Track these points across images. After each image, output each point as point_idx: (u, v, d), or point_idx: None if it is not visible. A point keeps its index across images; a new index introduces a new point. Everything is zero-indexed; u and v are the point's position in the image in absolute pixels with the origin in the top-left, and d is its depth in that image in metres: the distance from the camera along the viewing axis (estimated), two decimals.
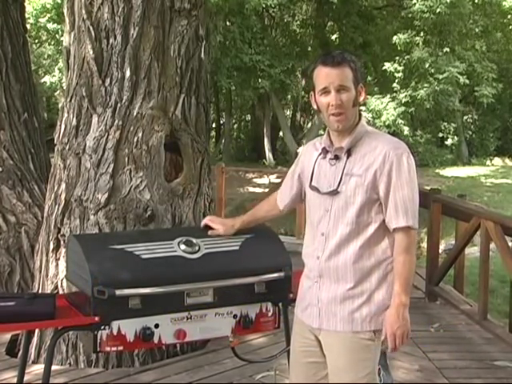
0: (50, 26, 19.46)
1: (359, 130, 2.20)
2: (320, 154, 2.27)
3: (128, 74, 3.99)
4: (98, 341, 2.48)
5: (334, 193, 2.18)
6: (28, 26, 9.19)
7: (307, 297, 2.27)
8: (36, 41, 20.89)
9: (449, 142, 26.60)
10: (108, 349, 2.52)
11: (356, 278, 2.17)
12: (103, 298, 2.48)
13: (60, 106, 4.42)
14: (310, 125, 23.88)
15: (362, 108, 18.51)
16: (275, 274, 2.68)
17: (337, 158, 2.21)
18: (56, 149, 4.19)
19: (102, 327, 2.47)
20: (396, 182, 2.12)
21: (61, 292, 3.80)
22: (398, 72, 18.50)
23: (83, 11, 4.03)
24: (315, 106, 2.25)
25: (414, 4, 17.57)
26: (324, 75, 2.16)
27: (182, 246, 2.67)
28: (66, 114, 4.15)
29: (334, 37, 21.88)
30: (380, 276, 2.18)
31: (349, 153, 2.19)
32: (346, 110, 2.16)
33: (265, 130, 23.29)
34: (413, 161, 2.18)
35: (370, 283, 2.17)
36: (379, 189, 2.13)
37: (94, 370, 3.90)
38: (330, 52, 2.21)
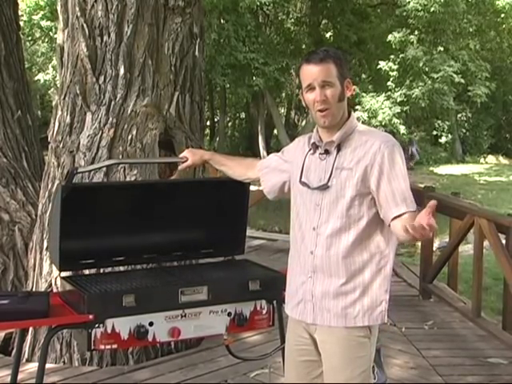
0: (44, 23, 19.42)
1: (349, 125, 2.22)
2: (310, 150, 2.28)
3: (122, 71, 3.98)
4: (92, 339, 2.48)
5: (325, 187, 2.18)
6: (21, 24, 9.18)
7: (300, 292, 2.27)
8: (29, 38, 20.82)
9: (443, 140, 26.67)
10: (102, 347, 2.52)
11: (348, 273, 2.17)
12: (97, 296, 2.49)
13: (54, 103, 4.41)
14: (304, 123, 23.91)
15: (358, 107, 18.55)
16: None
17: (327, 152, 2.22)
18: (50, 147, 4.19)
19: (96, 325, 2.47)
20: (390, 173, 2.12)
21: (55, 290, 3.79)
22: (393, 71, 18.53)
23: (77, 8, 4.02)
24: (304, 104, 2.28)
25: (409, 2, 17.59)
26: (308, 72, 2.18)
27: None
28: (59, 112, 4.14)
29: (328, 34, 21.89)
30: (373, 271, 2.18)
31: (339, 147, 2.20)
32: (331, 106, 2.17)
33: (259, 128, 23.29)
34: (403, 154, 2.21)
35: (362, 278, 2.17)
36: (370, 182, 2.14)
37: (88, 368, 3.90)
38: (314, 50, 2.24)
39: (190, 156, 2.72)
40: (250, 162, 2.71)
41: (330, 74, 2.16)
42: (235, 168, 2.68)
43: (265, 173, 2.53)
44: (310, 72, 2.17)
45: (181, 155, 2.78)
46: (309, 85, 2.18)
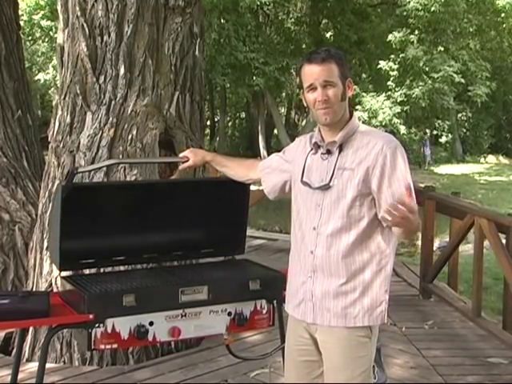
0: (44, 23, 19.42)
1: (351, 125, 2.22)
2: (311, 150, 2.29)
3: (122, 71, 3.98)
4: (93, 338, 2.48)
5: (326, 187, 2.18)
6: (21, 23, 9.17)
7: (300, 292, 2.27)
8: (30, 38, 20.81)
9: (443, 139, 26.68)
10: (102, 346, 2.52)
11: (348, 273, 2.17)
12: (98, 295, 2.49)
13: (54, 103, 4.41)
14: (304, 122, 23.90)
15: (358, 107, 18.55)
16: None
17: (329, 152, 2.23)
18: (50, 146, 4.19)
19: (97, 325, 2.47)
20: (391, 175, 2.12)
21: (55, 290, 3.79)
22: (393, 70, 18.53)
23: (77, 8, 4.02)
24: (305, 103, 2.28)
25: (409, 2, 17.58)
26: (309, 72, 2.18)
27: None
28: (59, 112, 4.14)
29: (328, 34, 21.89)
30: (374, 271, 2.18)
31: (341, 148, 2.20)
32: (332, 105, 2.17)
33: (259, 128, 23.28)
34: (405, 154, 2.20)
35: (363, 278, 2.17)
36: (372, 183, 2.14)
37: (88, 367, 3.90)
38: (315, 50, 2.24)
39: (191, 156, 2.72)
40: (251, 162, 2.71)
41: (331, 74, 2.16)
42: (237, 169, 2.67)
43: (266, 173, 2.53)
44: (312, 72, 2.17)
45: (181, 154, 2.78)
46: (310, 85, 2.18)
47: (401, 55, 18.03)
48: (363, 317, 2.18)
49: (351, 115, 2.24)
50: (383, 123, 18.71)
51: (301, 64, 2.24)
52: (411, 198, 1.97)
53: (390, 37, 18.00)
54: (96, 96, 4.00)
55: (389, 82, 18.91)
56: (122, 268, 3.08)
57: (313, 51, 2.24)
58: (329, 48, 2.24)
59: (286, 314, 2.43)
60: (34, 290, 4.07)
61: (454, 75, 17.56)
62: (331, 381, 2.22)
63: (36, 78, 21.66)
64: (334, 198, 2.17)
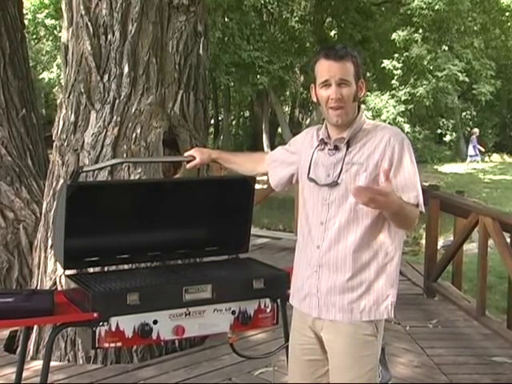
0: (48, 21, 19.45)
1: (359, 121, 2.22)
2: (318, 145, 2.28)
3: (126, 70, 3.99)
4: (97, 337, 2.48)
5: (334, 184, 2.18)
6: (26, 22, 9.18)
7: (306, 286, 2.26)
8: (34, 37, 20.86)
9: (447, 138, 26.64)
10: (106, 345, 2.52)
11: (355, 268, 2.16)
12: (102, 294, 2.49)
13: (58, 102, 4.41)
14: (308, 121, 23.87)
15: (362, 106, 18.55)
16: None
17: (336, 148, 2.22)
18: (54, 145, 4.19)
19: (101, 323, 2.47)
20: (397, 166, 2.13)
21: (59, 288, 3.79)
22: (397, 69, 18.52)
23: (81, 7, 4.02)
24: (315, 99, 2.26)
25: (413, 0, 17.56)
26: (326, 68, 2.16)
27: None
28: (64, 111, 4.15)
29: (332, 33, 21.87)
30: (379, 266, 2.18)
31: (348, 143, 2.20)
32: (345, 105, 2.16)
33: (263, 127, 23.30)
34: (411, 147, 2.21)
35: (368, 273, 2.17)
36: (380, 175, 2.13)
37: (92, 366, 3.91)
38: (333, 45, 2.22)
39: (198, 155, 2.71)
40: (258, 156, 2.72)
41: (347, 73, 2.15)
42: (245, 164, 2.68)
43: (273, 167, 2.53)
44: (329, 68, 2.15)
45: (187, 153, 2.78)
46: (325, 81, 2.16)
47: (405, 54, 18.03)
48: (369, 311, 2.17)
49: (358, 110, 2.24)
50: (387, 122, 18.70)
51: (316, 58, 2.21)
52: (387, 181, 2.00)
53: (394, 35, 18.00)
54: (100, 95, 4.01)
55: (393, 81, 18.92)
56: (126, 266, 3.08)
57: (330, 47, 2.21)
58: (346, 46, 2.21)
59: (289, 313, 2.43)
60: (38, 288, 4.08)
61: (458, 74, 17.55)
62: (337, 380, 2.21)
63: (40, 76, 21.70)
64: (343, 192, 2.17)
